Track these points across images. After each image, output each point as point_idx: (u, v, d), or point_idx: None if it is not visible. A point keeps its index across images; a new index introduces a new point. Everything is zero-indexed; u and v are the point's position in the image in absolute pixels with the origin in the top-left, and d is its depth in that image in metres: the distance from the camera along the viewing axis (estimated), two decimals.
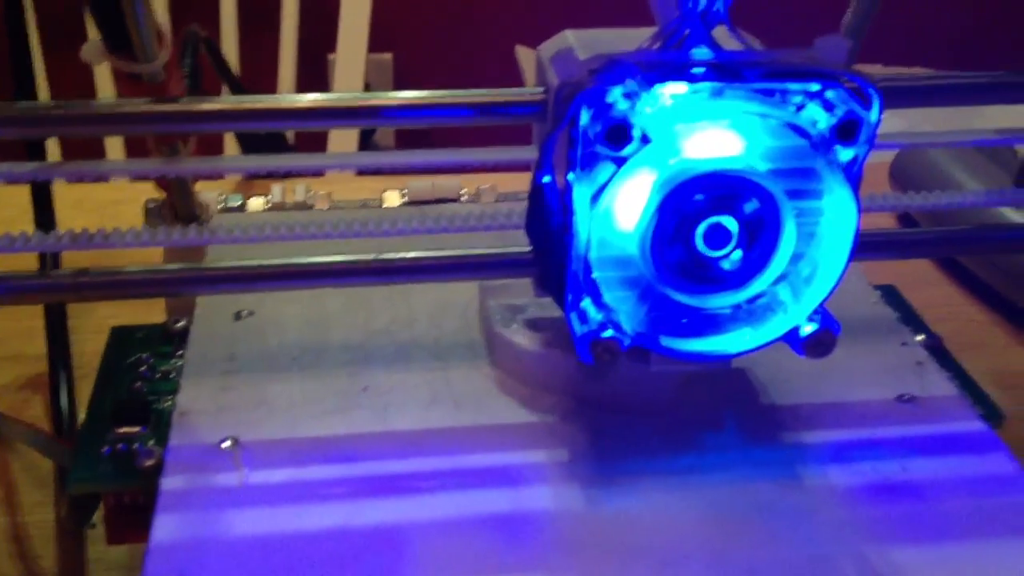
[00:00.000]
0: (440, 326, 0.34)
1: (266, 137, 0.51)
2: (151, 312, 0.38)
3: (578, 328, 0.26)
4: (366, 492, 0.27)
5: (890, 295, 0.39)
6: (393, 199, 0.41)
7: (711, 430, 0.30)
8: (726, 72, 0.25)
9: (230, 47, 1.02)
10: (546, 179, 0.25)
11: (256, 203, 0.40)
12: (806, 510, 0.27)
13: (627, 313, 0.26)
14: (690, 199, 0.25)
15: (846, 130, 0.25)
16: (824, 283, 0.26)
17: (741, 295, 0.27)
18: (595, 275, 0.26)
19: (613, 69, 0.24)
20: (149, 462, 0.29)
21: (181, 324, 0.35)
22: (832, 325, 0.27)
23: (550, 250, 0.26)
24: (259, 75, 1.01)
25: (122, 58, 0.30)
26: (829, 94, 0.25)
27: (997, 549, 0.27)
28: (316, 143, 1.07)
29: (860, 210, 0.26)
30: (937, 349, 0.36)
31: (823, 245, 0.26)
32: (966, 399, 0.32)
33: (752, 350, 0.27)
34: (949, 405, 0.31)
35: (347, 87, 1.01)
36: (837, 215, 0.26)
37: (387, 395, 0.31)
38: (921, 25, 1.36)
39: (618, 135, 0.24)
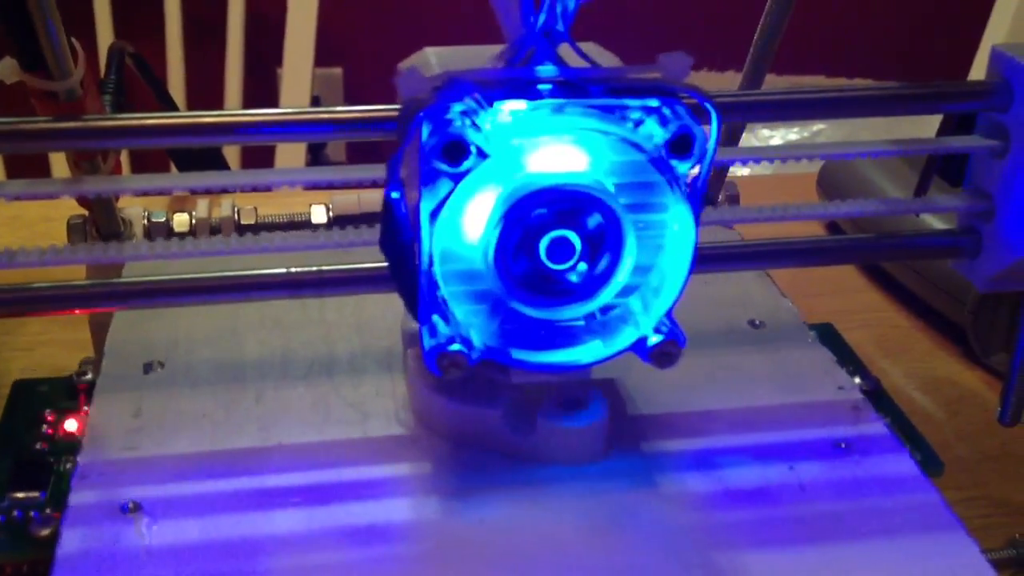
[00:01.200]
0: (362, 372, 0.33)
1: (200, 153, 0.51)
2: (78, 328, 0.38)
3: (427, 342, 0.26)
4: (275, 554, 0.26)
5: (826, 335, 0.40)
6: (320, 214, 0.42)
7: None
8: (566, 89, 0.25)
9: (175, 62, 1.02)
10: (395, 195, 0.25)
11: (181, 218, 0.40)
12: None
13: (478, 327, 0.27)
14: (532, 213, 0.26)
15: (680, 145, 0.25)
16: (669, 294, 0.27)
17: (589, 307, 0.27)
18: (443, 290, 0.26)
19: (453, 87, 0.24)
20: (45, 531, 0.28)
21: (87, 377, 0.35)
22: (678, 336, 0.27)
23: (403, 265, 0.26)
24: (206, 90, 1.01)
25: (36, 76, 0.30)
26: (665, 110, 0.25)
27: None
28: (265, 158, 1.07)
29: (698, 223, 0.26)
30: (875, 393, 0.37)
31: (669, 257, 0.27)
32: (900, 444, 0.31)
33: (603, 360, 0.28)
34: (883, 450, 0.31)
35: (294, 101, 1.01)
36: (678, 228, 0.27)
37: (301, 452, 0.30)
38: (862, 37, 1.38)
39: (454, 151, 0.24)
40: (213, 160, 0.53)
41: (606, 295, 0.27)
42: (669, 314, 0.27)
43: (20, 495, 0.30)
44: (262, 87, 1.20)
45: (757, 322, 0.37)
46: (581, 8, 0.26)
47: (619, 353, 0.28)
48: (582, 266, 0.26)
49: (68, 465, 0.31)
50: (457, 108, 0.24)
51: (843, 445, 0.31)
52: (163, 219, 0.40)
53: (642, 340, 0.27)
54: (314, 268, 0.30)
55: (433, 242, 0.26)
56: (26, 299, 0.30)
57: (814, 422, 0.32)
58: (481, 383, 0.30)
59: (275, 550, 0.26)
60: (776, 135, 1.09)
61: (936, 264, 0.46)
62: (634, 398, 0.32)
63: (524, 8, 0.25)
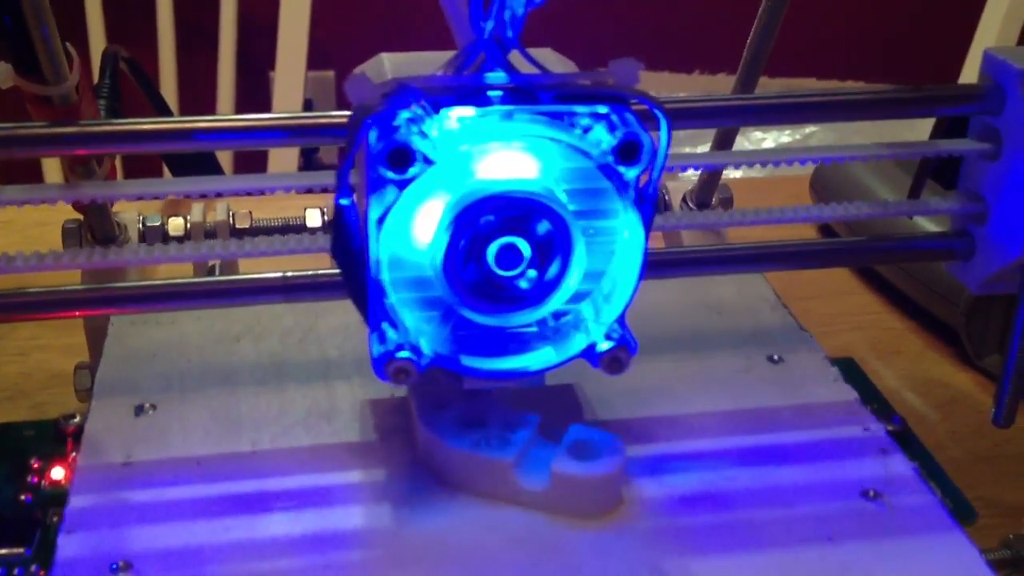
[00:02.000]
0: (365, 419, 0.31)
1: (194, 158, 0.51)
2: (72, 332, 0.38)
3: (375, 349, 0.26)
4: None
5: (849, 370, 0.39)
6: (314, 218, 0.42)
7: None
8: (515, 95, 0.25)
9: (168, 66, 1.02)
10: (344, 201, 0.25)
11: (176, 223, 0.40)
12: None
13: (429, 334, 0.27)
14: (480, 220, 0.26)
15: (627, 151, 0.25)
16: (619, 300, 0.27)
17: (539, 313, 0.27)
18: (392, 297, 0.26)
19: (400, 93, 0.24)
20: None
21: (75, 421, 0.34)
22: (628, 343, 0.27)
23: (354, 272, 0.26)
24: (198, 94, 1.01)
25: (31, 80, 0.30)
26: (613, 116, 0.25)
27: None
28: (259, 162, 1.07)
29: (648, 229, 0.26)
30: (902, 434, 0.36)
31: (620, 263, 0.27)
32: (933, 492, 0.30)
33: (554, 366, 0.28)
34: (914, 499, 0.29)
35: (287, 105, 1.01)
36: (628, 234, 0.27)
37: (299, 506, 0.28)
38: (854, 40, 1.38)
39: (399, 158, 0.24)
40: (207, 164, 0.53)
41: (556, 301, 0.27)
42: (621, 320, 0.27)
43: (4, 551, 0.29)
44: (255, 90, 1.20)
45: (776, 357, 0.35)
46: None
47: (570, 359, 0.28)
48: (532, 272, 0.26)
49: (55, 518, 0.30)
50: (404, 115, 0.24)
51: (872, 494, 0.29)
52: (158, 223, 0.40)
53: (592, 346, 0.27)
54: (309, 272, 0.31)
55: (381, 249, 0.26)
56: (20, 304, 0.30)
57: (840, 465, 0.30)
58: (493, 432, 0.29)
59: None
60: (769, 138, 1.09)
61: (929, 266, 0.46)
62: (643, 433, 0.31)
63: (473, 14, 0.25)
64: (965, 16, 0.89)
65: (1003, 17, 0.83)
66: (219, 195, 0.29)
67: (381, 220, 0.25)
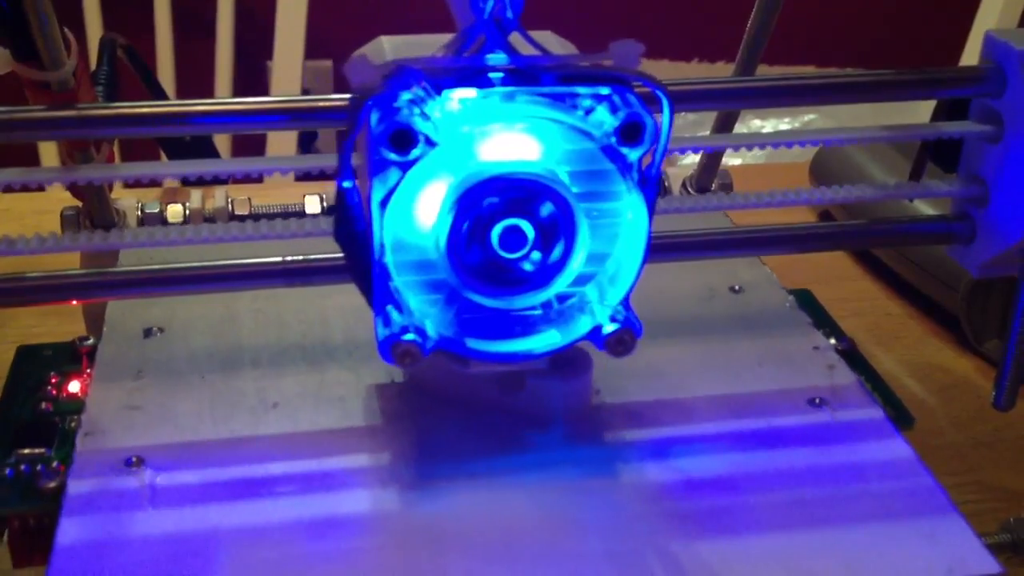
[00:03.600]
0: (355, 333, 0.33)
1: (192, 144, 0.51)
2: (73, 320, 0.38)
3: (380, 332, 0.26)
4: (272, 511, 0.27)
5: (804, 298, 0.40)
6: (313, 204, 0.42)
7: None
8: (516, 77, 0.25)
9: (165, 55, 1.02)
10: (347, 184, 0.25)
11: (175, 209, 0.40)
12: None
13: (434, 317, 0.27)
14: (484, 202, 0.26)
15: (629, 132, 0.25)
16: (624, 283, 0.27)
17: (543, 295, 0.27)
18: (396, 280, 0.26)
19: (401, 75, 0.24)
20: (52, 484, 0.29)
21: (90, 342, 0.35)
22: (634, 325, 0.27)
23: (357, 256, 0.26)
24: (196, 84, 1.01)
25: (29, 66, 0.30)
26: (615, 97, 0.25)
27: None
28: (256, 149, 1.07)
29: (652, 211, 0.26)
30: (850, 353, 0.37)
31: (623, 245, 0.27)
32: (874, 399, 0.32)
33: (559, 349, 0.28)
34: (856, 406, 0.32)
35: (284, 93, 1.01)
36: (632, 216, 0.27)
37: (298, 411, 0.30)
38: (853, 25, 1.38)
39: (401, 140, 0.24)
40: (205, 150, 0.53)
41: (560, 284, 0.27)
42: (625, 303, 0.27)
43: (26, 451, 0.31)
44: (252, 80, 1.19)
45: (737, 287, 0.37)
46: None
47: (575, 342, 0.28)
48: (536, 255, 0.26)
49: (72, 424, 0.32)
50: (405, 96, 0.24)
51: (818, 400, 0.31)
52: (157, 210, 0.40)
53: (597, 328, 0.27)
54: (308, 257, 0.30)
55: (384, 231, 0.25)
56: (20, 289, 0.30)
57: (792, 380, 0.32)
58: None
59: (271, 508, 0.27)
60: (767, 124, 1.09)
61: (929, 251, 0.46)
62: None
63: None
64: (965, 0, 0.89)
65: (1003, 1, 0.83)
66: (216, 179, 0.29)
67: (384, 202, 0.25)
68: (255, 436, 0.29)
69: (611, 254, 0.27)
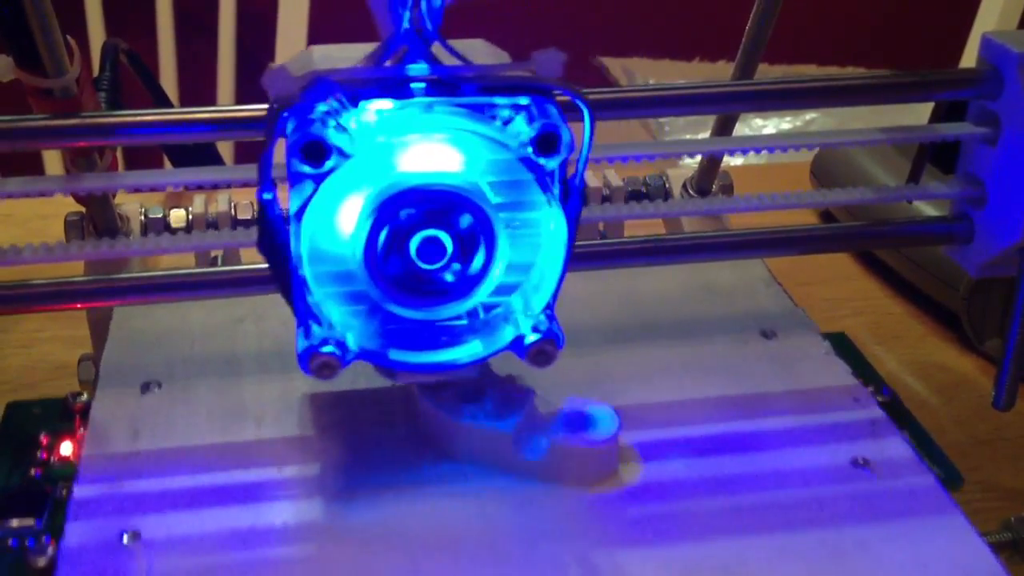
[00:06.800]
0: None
1: (195, 150, 0.51)
2: (77, 324, 0.38)
3: (300, 343, 0.26)
4: None
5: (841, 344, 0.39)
6: None
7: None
8: (435, 87, 0.25)
9: (167, 58, 1.02)
10: (267, 196, 0.25)
11: (178, 214, 0.40)
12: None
13: (356, 328, 0.27)
14: (401, 213, 0.26)
15: (545, 142, 0.25)
16: (546, 292, 0.27)
17: (464, 306, 0.27)
18: (316, 292, 0.26)
19: (317, 86, 0.24)
20: (42, 560, 0.28)
21: (83, 399, 0.34)
22: (556, 336, 0.27)
23: (279, 267, 0.26)
24: (198, 86, 1.01)
25: (32, 73, 0.30)
26: (532, 108, 0.25)
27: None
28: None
29: (574, 221, 0.26)
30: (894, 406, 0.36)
31: (546, 255, 0.27)
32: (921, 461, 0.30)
33: (482, 359, 0.28)
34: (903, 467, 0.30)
35: None
36: (553, 226, 0.27)
37: (308, 483, 0.29)
38: (854, 26, 1.38)
39: (313, 151, 0.24)
40: (208, 156, 0.53)
41: (481, 294, 0.27)
42: (549, 313, 0.27)
43: (15, 523, 0.30)
44: (255, 82, 1.19)
45: (769, 332, 0.36)
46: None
47: (497, 352, 0.27)
48: (456, 265, 0.26)
49: (64, 492, 0.30)
50: (321, 108, 0.24)
51: (861, 461, 0.30)
52: (160, 215, 0.40)
53: (520, 339, 0.27)
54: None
55: (300, 243, 0.25)
56: (24, 296, 0.30)
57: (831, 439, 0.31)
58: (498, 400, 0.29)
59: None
60: (769, 124, 1.09)
61: (929, 251, 0.46)
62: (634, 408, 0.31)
63: (392, 5, 0.25)
64: (966, 1, 0.89)
65: (1004, 1, 0.83)
66: (215, 187, 0.29)
67: (300, 214, 0.25)
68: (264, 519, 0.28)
69: (535, 263, 0.27)
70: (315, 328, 0.26)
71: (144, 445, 0.29)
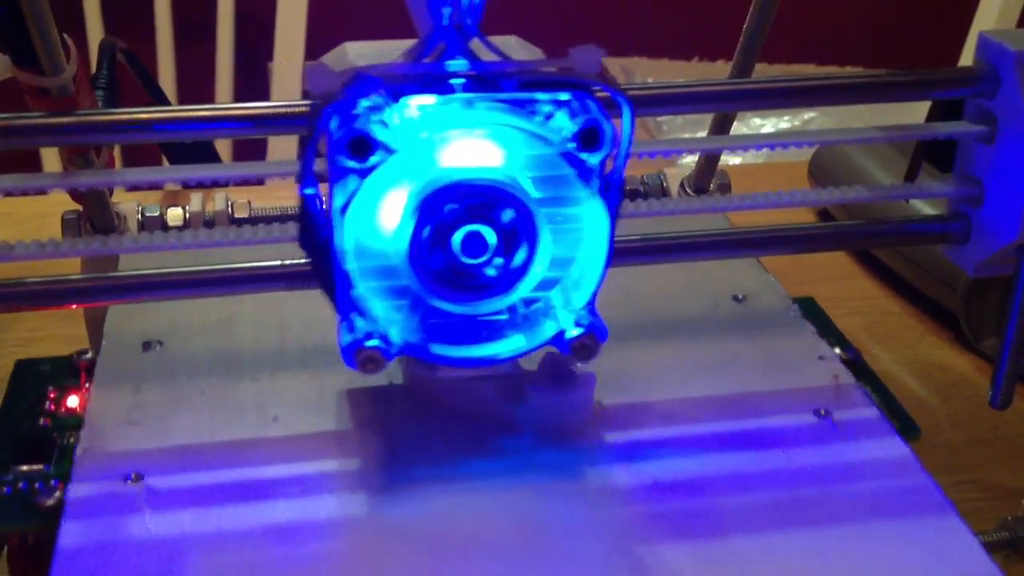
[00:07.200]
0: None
1: (193, 148, 0.51)
2: (74, 323, 0.38)
3: (344, 338, 0.26)
4: (274, 523, 0.27)
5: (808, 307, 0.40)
6: None
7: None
8: (476, 83, 0.25)
9: (166, 58, 1.02)
10: (309, 191, 0.25)
11: (175, 213, 0.40)
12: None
13: (399, 323, 0.27)
14: (444, 208, 0.26)
15: (588, 137, 0.25)
16: (588, 287, 0.27)
17: (507, 301, 0.27)
18: (359, 286, 0.26)
19: (360, 82, 0.24)
20: (50, 501, 0.29)
21: (88, 356, 0.35)
22: (597, 330, 0.27)
23: (322, 263, 0.26)
24: (196, 86, 1.01)
25: (29, 72, 0.30)
26: (574, 103, 0.25)
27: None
28: (258, 152, 1.07)
29: (614, 216, 0.27)
30: (855, 364, 0.37)
31: (587, 250, 0.27)
32: (882, 414, 0.32)
33: (524, 353, 0.28)
34: (865, 421, 0.32)
35: (285, 95, 1.01)
36: (592, 220, 0.27)
37: (298, 426, 0.30)
38: (852, 25, 1.38)
39: (358, 147, 0.24)
40: (205, 154, 0.53)
41: (523, 289, 0.27)
42: (590, 307, 0.27)
43: (25, 468, 0.31)
44: (253, 82, 1.19)
45: (740, 297, 0.37)
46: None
47: (539, 346, 0.28)
48: (498, 260, 0.26)
49: (71, 439, 0.32)
50: (364, 104, 0.24)
51: (823, 412, 0.31)
52: (157, 213, 0.40)
53: (561, 333, 0.27)
54: (307, 260, 0.31)
55: (344, 238, 0.26)
56: (21, 294, 0.30)
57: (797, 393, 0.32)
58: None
59: (273, 520, 0.27)
60: (767, 123, 1.09)
61: (927, 250, 0.46)
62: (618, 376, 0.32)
63: (432, 3, 0.25)
64: (964, 0, 0.89)
65: (1002, 1, 0.83)
66: (215, 183, 0.29)
67: (344, 209, 0.25)
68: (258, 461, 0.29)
69: (575, 259, 0.27)
70: (359, 322, 0.26)
71: (146, 398, 0.31)
